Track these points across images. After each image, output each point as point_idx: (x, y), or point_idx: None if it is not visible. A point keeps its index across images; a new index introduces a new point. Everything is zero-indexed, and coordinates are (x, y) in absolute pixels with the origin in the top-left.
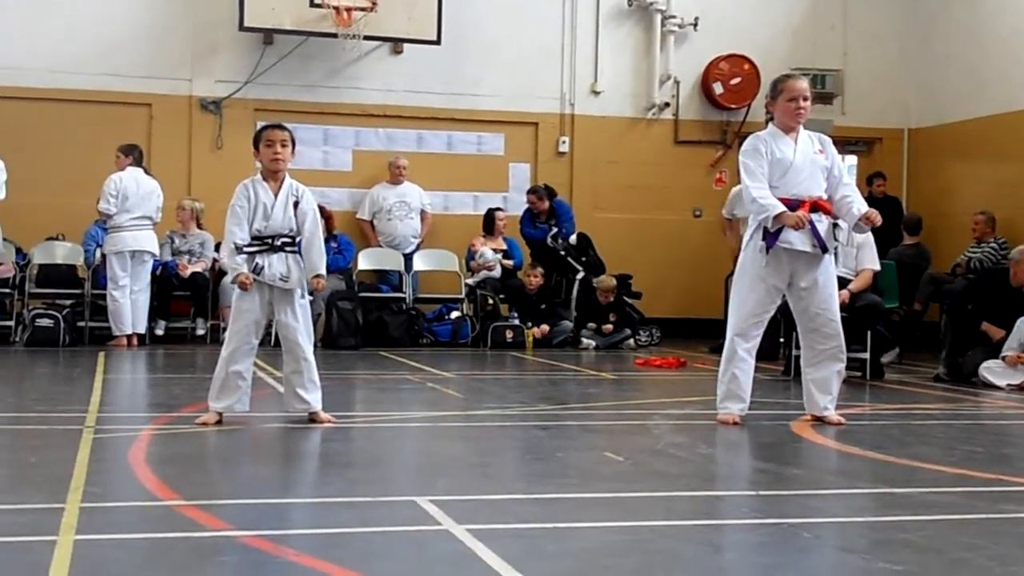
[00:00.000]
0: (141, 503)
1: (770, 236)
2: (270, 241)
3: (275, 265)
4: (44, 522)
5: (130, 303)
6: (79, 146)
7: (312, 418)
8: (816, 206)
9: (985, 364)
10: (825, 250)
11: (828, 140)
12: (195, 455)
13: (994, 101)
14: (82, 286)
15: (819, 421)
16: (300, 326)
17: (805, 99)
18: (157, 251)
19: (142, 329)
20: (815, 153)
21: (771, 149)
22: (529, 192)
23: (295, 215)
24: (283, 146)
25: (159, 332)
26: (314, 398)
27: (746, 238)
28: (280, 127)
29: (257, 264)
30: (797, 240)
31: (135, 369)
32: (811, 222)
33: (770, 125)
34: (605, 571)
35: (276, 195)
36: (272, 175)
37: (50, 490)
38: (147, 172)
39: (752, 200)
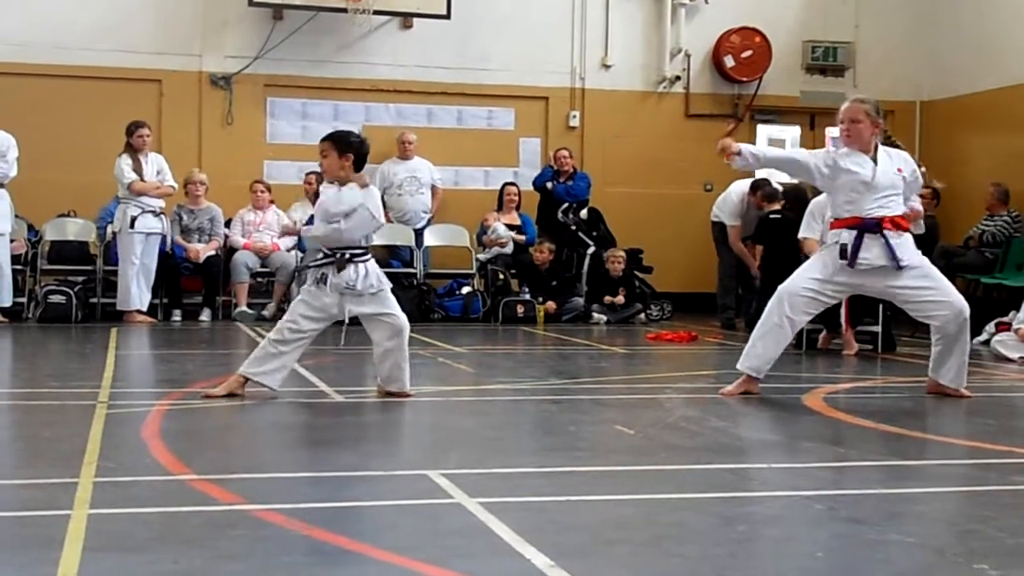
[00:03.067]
0: (154, 477)
1: (851, 255)
2: (337, 254)
3: (342, 275)
4: (58, 496)
5: None
6: (90, 123)
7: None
8: (895, 223)
9: (997, 337)
10: (900, 267)
11: (906, 155)
12: (207, 430)
13: (1006, 73)
14: (94, 262)
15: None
16: (385, 307)
17: (852, 121)
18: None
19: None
20: (894, 173)
21: (846, 163)
22: (561, 148)
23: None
24: (324, 157)
25: (176, 318)
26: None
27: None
28: (324, 139)
29: (323, 274)
30: (874, 257)
31: (147, 345)
32: (887, 239)
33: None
34: (617, 544)
35: None
36: (338, 183)
37: (64, 465)
38: None
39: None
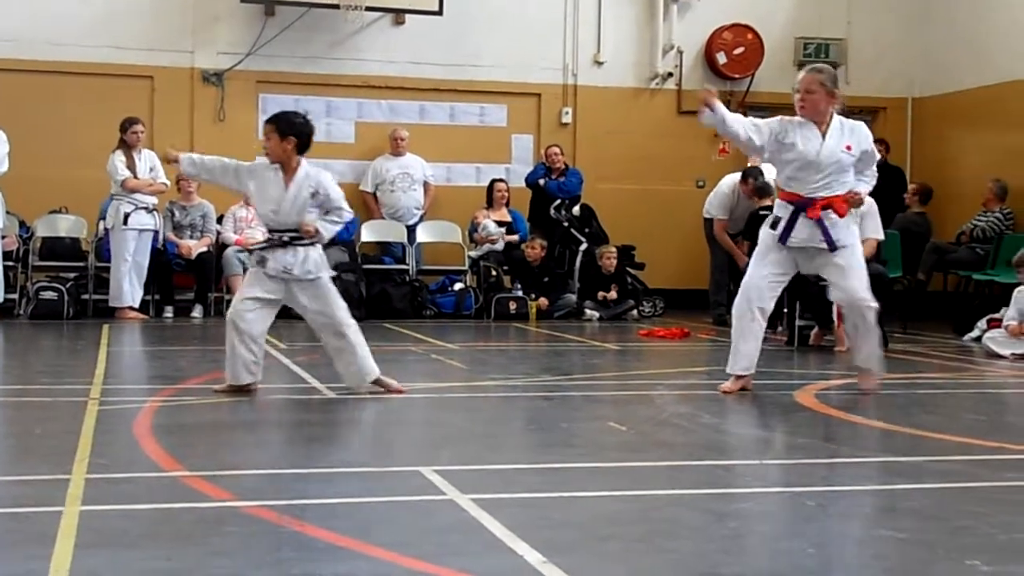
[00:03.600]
0: (146, 474)
1: (783, 232)
2: (278, 236)
3: (280, 258)
4: (50, 493)
5: None
6: (81, 119)
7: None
8: (828, 205)
9: (989, 334)
10: (833, 248)
11: (860, 128)
12: (199, 426)
13: (998, 70)
14: (85, 259)
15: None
16: (323, 305)
17: (807, 92)
18: None
19: None
20: (842, 151)
21: (794, 136)
22: (552, 146)
23: (312, 206)
24: (267, 139)
25: (167, 315)
26: (370, 366)
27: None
28: (266, 121)
29: (263, 257)
30: (806, 238)
31: (139, 341)
32: (821, 220)
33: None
34: (609, 540)
35: (287, 187)
36: (282, 166)
37: (56, 461)
38: None
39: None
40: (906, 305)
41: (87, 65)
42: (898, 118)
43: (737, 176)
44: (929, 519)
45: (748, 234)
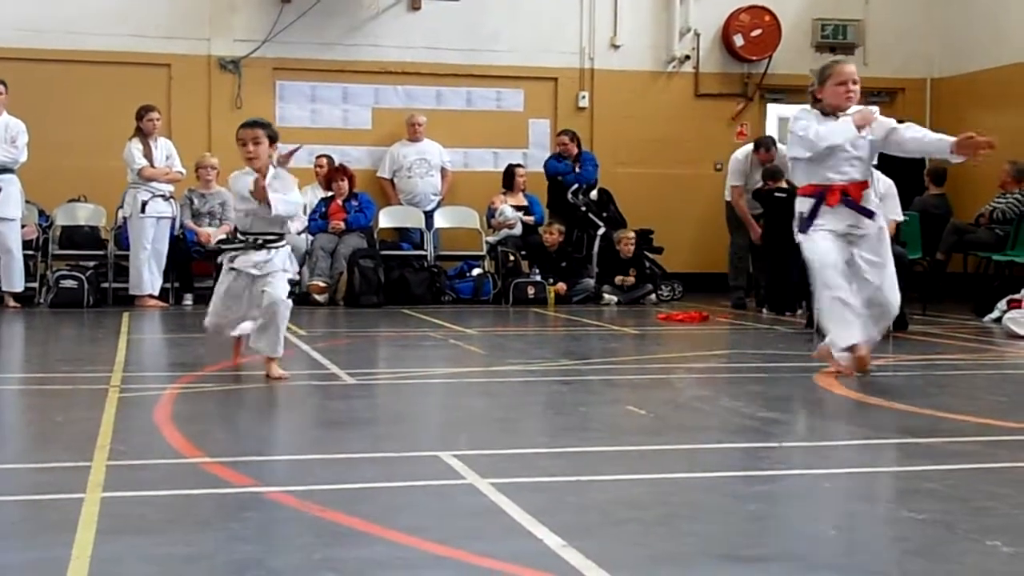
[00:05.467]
0: (167, 460)
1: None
2: (250, 239)
3: (251, 256)
4: (71, 480)
5: None
6: (99, 107)
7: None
8: (845, 192)
9: (1009, 315)
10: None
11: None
12: (220, 413)
13: (1017, 49)
14: (105, 247)
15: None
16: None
17: (854, 83)
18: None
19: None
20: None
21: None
22: (561, 134)
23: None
24: (256, 144)
25: (187, 302)
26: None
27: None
28: (253, 125)
29: (232, 256)
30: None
31: (159, 329)
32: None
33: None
34: (629, 523)
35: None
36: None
37: (77, 448)
38: None
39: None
40: (926, 286)
41: (104, 54)
42: (917, 99)
43: (750, 146)
44: (949, 500)
45: (763, 215)
